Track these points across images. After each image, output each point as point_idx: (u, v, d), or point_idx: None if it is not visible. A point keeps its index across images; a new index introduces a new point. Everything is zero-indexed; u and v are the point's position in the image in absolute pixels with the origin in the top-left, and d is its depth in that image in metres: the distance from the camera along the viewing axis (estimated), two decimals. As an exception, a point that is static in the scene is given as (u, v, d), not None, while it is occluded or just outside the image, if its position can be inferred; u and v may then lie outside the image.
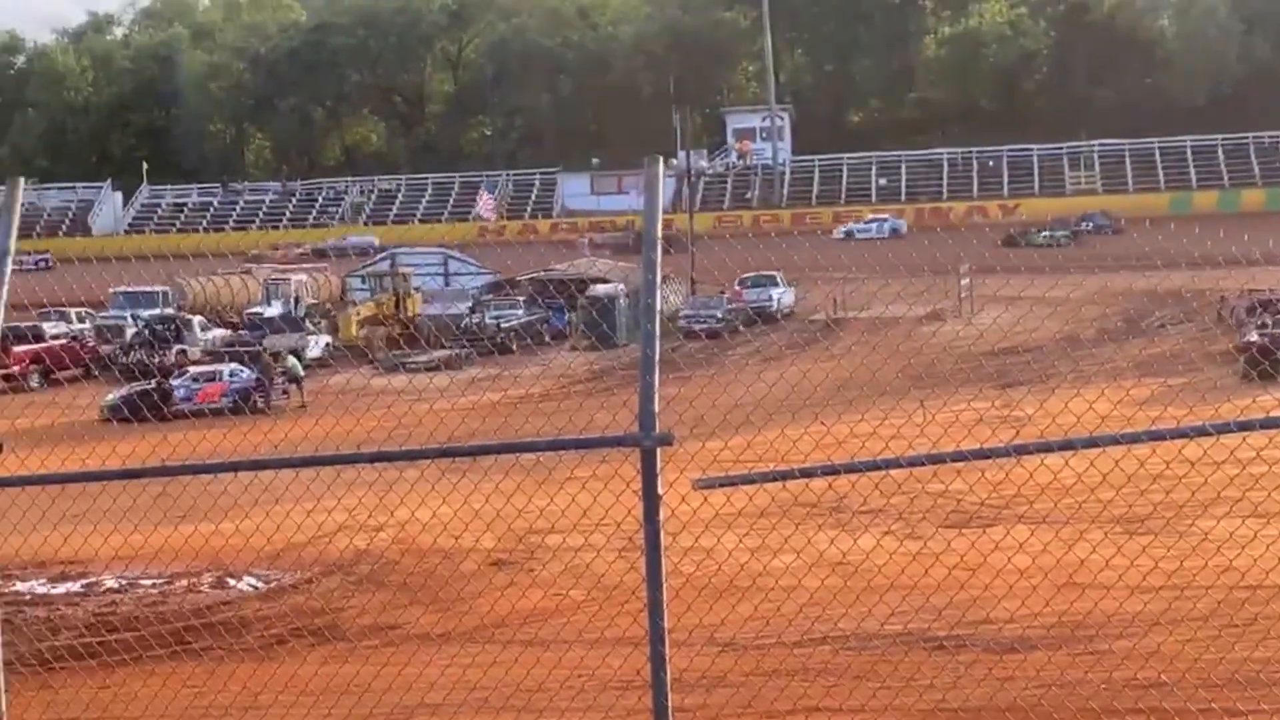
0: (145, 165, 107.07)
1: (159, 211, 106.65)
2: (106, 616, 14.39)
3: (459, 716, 9.78)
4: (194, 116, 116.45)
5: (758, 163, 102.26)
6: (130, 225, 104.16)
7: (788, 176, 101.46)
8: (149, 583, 15.90)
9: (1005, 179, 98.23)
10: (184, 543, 15.59)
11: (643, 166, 6.25)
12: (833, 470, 6.95)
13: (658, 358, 6.05)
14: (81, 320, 47.83)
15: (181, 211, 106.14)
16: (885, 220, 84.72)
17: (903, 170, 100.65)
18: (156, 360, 40.34)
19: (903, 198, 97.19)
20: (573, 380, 38.46)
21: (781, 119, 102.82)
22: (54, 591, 15.79)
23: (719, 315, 48.35)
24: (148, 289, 52.94)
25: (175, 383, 35.82)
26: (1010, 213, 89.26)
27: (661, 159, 6.26)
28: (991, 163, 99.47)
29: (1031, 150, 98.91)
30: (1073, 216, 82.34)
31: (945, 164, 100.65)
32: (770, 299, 52.08)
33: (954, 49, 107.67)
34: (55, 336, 42.68)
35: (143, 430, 23.60)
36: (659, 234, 6.17)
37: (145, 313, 48.74)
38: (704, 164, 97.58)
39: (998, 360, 31.00)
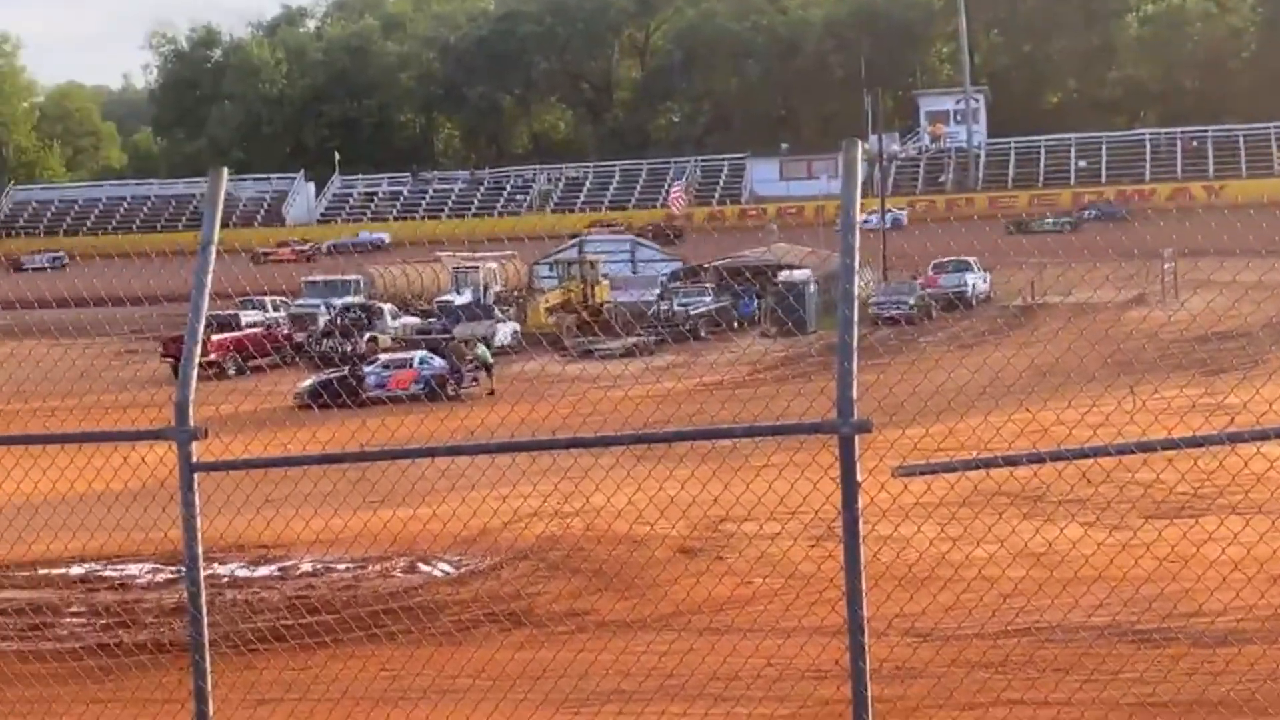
0: (337, 155, 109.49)
1: (350, 201, 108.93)
2: (303, 599, 14.62)
3: (652, 704, 9.68)
4: (384, 107, 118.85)
5: (951, 145, 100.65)
6: (322, 215, 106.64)
7: (983, 159, 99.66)
8: (343, 567, 16.13)
9: (1210, 160, 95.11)
10: (381, 527, 15.77)
11: (833, 151, 6.09)
12: (1038, 458, 6.70)
13: (856, 344, 5.88)
14: (276, 308, 48.95)
15: (372, 201, 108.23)
16: (888, 212, 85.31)
17: (1103, 152, 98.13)
18: (348, 348, 41.07)
19: (1103, 179, 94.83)
20: (763, 367, 38.24)
21: (976, 100, 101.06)
22: (252, 574, 16.10)
23: (911, 302, 47.77)
24: (340, 277, 54.12)
25: (367, 370, 36.41)
26: (1216, 194, 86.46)
27: (860, 142, 6.11)
28: (1195, 143, 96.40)
29: (1237, 131, 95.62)
30: (1076, 205, 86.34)
31: (1148, 145, 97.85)
32: (965, 285, 51.24)
33: (1156, 27, 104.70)
34: (251, 324, 43.70)
35: (338, 416, 24.08)
36: (858, 218, 6.04)
37: (337, 301, 49.72)
38: (896, 147, 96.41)
39: (1209, 346, 29.97)
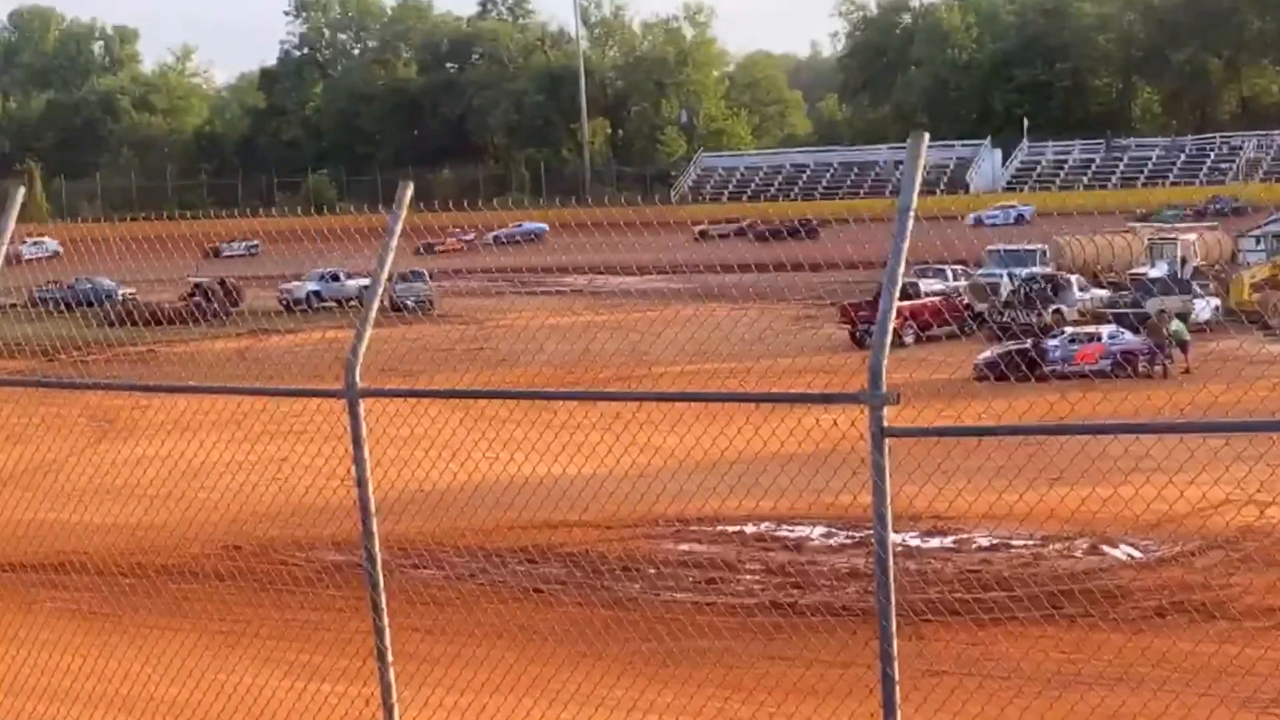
0: (1025, 121, 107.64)
1: (1038, 168, 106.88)
2: (976, 574, 14.44)
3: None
4: (1079, 70, 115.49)
5: None
6: (1009, 183, 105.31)
7: None
8: (1020, 544, 15.81)
9: None
10: (1063, 506, 15.31)
11: None
12: None
13: None
14: (957, 277, 48.73)
15: (1061, 169, 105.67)
16: (1013, 208, 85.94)
17: None
18: (1031, 319, 40.25)
19: None
20: None
21: None
22: (926, 545, 16.09)
23: None
24: (1023, 247, 53.18)
25: (1051, 343, 35.63)
26: None
27: None
28: None
29: None
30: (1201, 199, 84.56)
31: None
32: None
33: None
34: (930, 293, 43.71)
35: (1018, 389, 23.61)
36: None
37: (1021, 271, 48.85)
38: None
39: None
